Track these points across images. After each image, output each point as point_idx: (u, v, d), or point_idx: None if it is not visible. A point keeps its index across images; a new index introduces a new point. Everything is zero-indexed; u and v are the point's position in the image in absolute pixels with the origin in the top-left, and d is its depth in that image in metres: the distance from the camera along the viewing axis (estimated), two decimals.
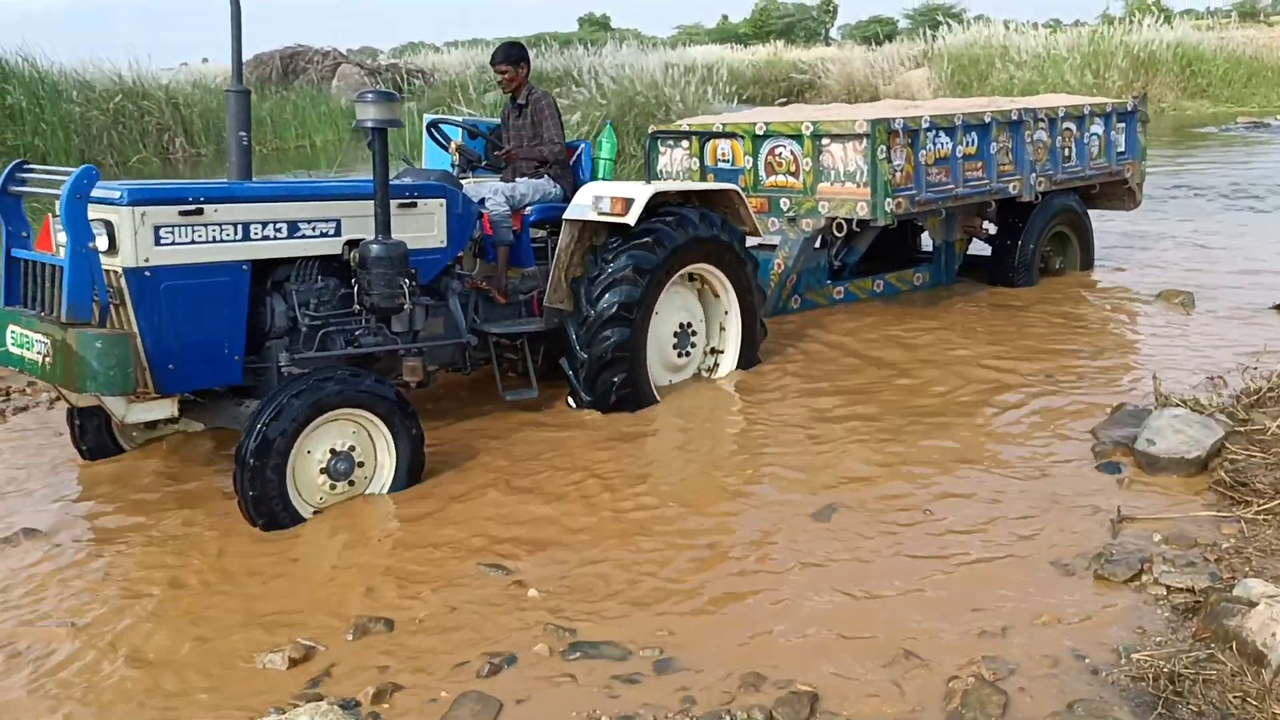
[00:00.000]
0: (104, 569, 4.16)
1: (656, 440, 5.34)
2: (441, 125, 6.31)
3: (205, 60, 39.37)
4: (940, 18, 33.55)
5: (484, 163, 6.18)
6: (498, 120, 6.57)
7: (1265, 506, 4.09)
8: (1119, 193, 8.98)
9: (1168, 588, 3.61)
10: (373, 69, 29.85)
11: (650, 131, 8.10)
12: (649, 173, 7.37)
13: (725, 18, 73.32)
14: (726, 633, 3.49)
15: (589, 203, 5.63)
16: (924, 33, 30.93)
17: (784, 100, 31.24)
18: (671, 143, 7.94)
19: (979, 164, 7.60)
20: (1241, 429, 4.71)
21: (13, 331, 4.46)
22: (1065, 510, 4.31)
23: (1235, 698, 2.94)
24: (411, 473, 4.71)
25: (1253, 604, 3.22)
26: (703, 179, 7.63)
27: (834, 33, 65.02)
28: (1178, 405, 4.91)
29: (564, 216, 5.70)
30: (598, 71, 20.46)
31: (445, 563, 4.06)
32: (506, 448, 5.23)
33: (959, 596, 3.65)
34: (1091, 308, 7.75)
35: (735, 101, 21.98)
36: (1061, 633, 3.39)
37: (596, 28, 61.51)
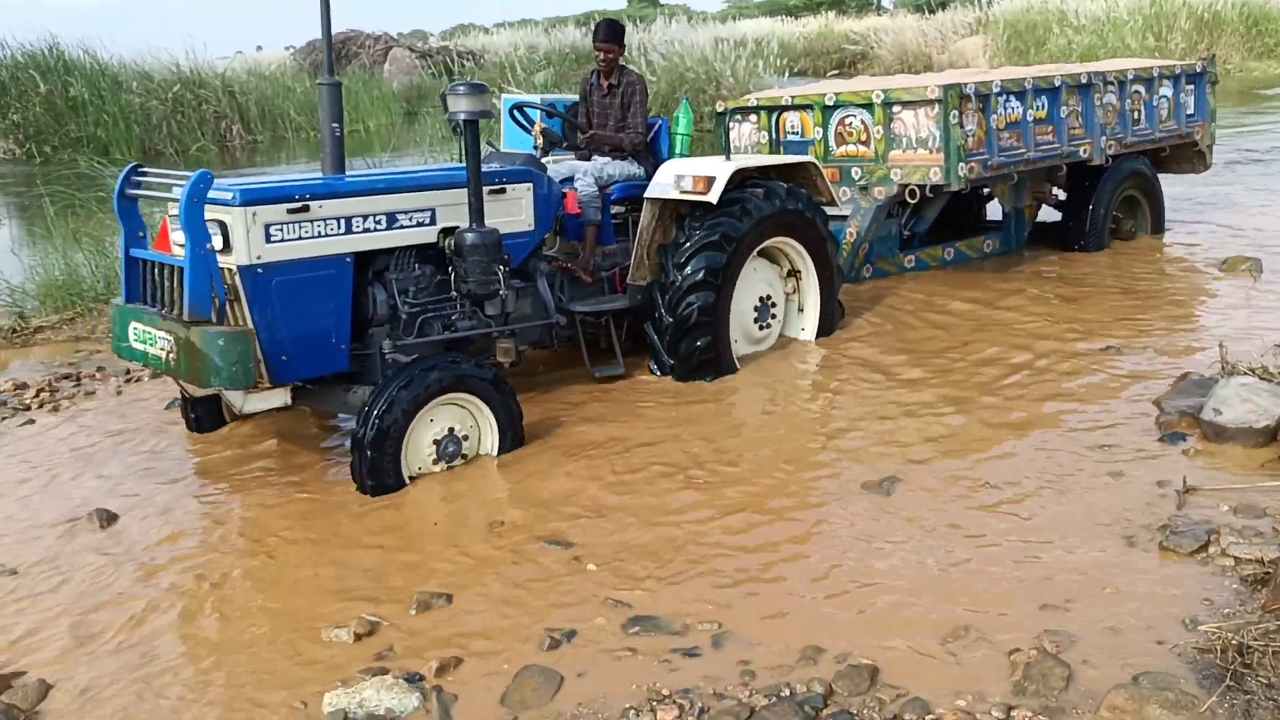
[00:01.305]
0: (185, 543, 4.27)
1: (729, 414, 5.35)
2: (523, 107, 6.38)
3: (259, 48, 39.87)
4: None
5: (564, 143, 6.27)
6: (569, 98, 6.64)
7: None
8: (1188, 155, 8.89)
9: (1236, 559, 3.54)
10: (423, 52, 30.00)
11: (719, 108, 8.17)
12: (724, 148, 7.38)
13: None
14: (785, 605, 3.49)
15: (671, 181, 5.72)
16: None
17: (836, 72, 30.85)
18: (740, 117, 8.00)
19: (1049, 128, 7.59)
20: None
21: (135, 329, 4.69)
22: (1129, 481, 4.24)
23: None
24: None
25: None
26: (772, 151, 7.69)
27: (886, 2, 63.99)
28: (1245, 374, 4.80)
29: (646, 195, 5.81)
30: (647, 49, 20.37)
31: (506, 538, 4.11)
32: (580, 422, 5.27)
33: (1021, 569, 3.61)
34: (1156, 275, 7.59)
35: (787, 75, 21.78)
36: (1126, 604, 3.34)
37: (646, 4, 61.10)
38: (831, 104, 7.43)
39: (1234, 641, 3.01)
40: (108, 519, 4.51)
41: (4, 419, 5.94)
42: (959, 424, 4.96)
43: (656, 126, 6.46)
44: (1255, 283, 7.15)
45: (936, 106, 6.91)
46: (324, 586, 3.84)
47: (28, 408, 6.12)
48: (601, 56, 6.28)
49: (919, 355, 6.02)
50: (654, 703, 3.01)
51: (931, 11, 34.36)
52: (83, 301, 7.99)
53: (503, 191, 5.24)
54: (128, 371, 6.56)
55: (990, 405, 5.18)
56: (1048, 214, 8.67)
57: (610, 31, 6.27)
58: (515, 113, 6.34)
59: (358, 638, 3.45)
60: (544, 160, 5.87)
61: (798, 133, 7.69)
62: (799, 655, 3.20)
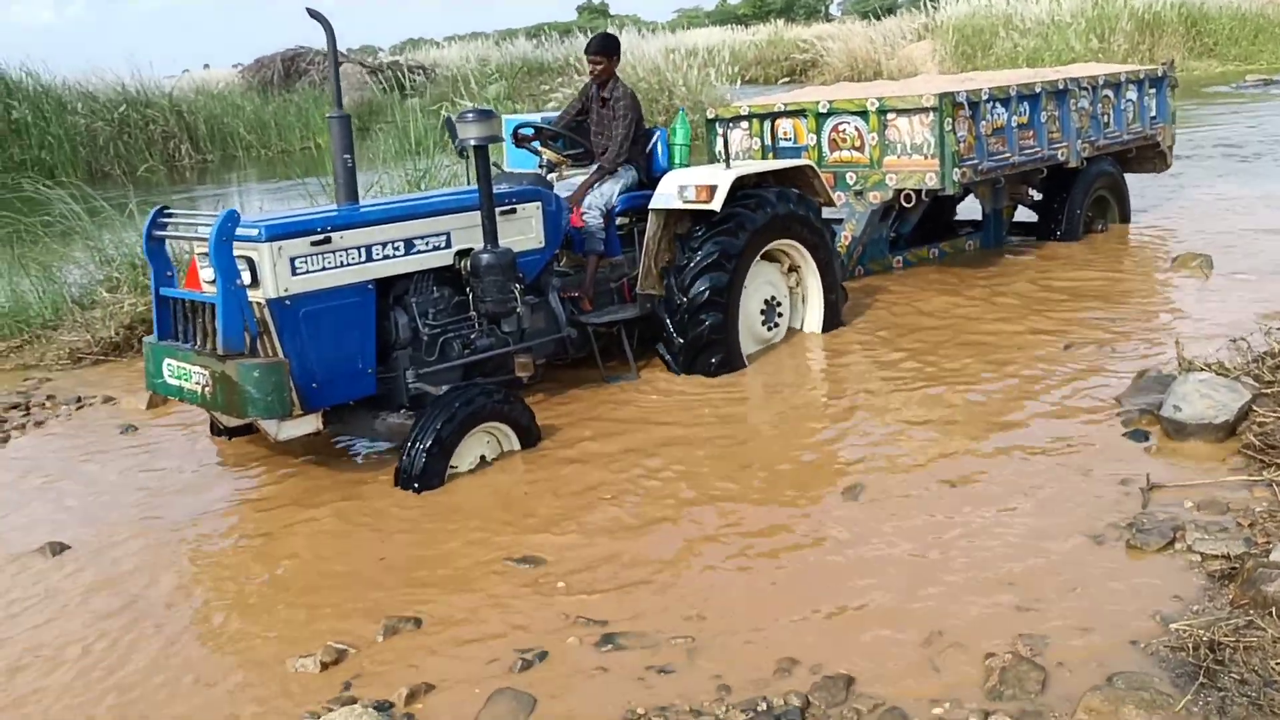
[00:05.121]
0: (137, 572, 4.15)
1: (727, 419, 5.34)
2: (525, 128, 6.40)
3: (206, 66, 39.38)
4: None
5: (567, 162, 6.36)
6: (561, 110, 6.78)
7: None
8: (1151, 156, 9.26)
9: (1202, 555, 3.57)
10: (374, 67, 29.75)
11: (710, 115, 8.29)
12: (723, 156, 7.44)
13: (724, 0, 72.93)
14: (758, 617, 3.46)
15: (674, 191, 5.88)
16: (925, 5, 30.65)
17: (787, 79, 31.05)
18: (732, 124, 8.13)
19: (1030, 133, 7.86)
20: (1268, 391, 4.65)
21: (169, 364, 4.79)
22: (1094, 480, 4.27)
23: (1278, 664, 2.90)
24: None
25: None
26: (764, 157, 7.86)
27: (834, 9, 64.55)
28: (1202, 369, 4.86)
29: (650, 206, 5.96)
30: None
31: (476, 558, 4.04)
32: (574, 433, 5.24)
33: (992, 573, 3.61)
34: (1110, 273, 7.69)
35: (738, 83, 21.85)
36: (1097, 604, 3.35)
37: (596, 15, 61.32)
38: (825, 111, 7.61)
39: (1205, 638, 3.03)
40: (59, 550, 4.39)
41: None
42: (924, 428, 4.98)
43: (655, 137, 6.50)
44: (1206, 279, 7.26)
45: (931, 114, 7.09)
46: (289, 614, 3.76)
47: None
48: (592, 68, 6.29)
49: (886, 360, 6.06)
50: None
51: (878, 18, 34.71)
52: (30, 329, 7.79)
53: (513, 212, 5.37)
54: (79, 399, 6.42)
55: (954, 408, 5.21)
56: (1023, 213, 8.96)
57: (602, 44, 6.30)
58: (518, 133, 6.40)
59: (324, 666, 3.37)
60: (550, 178, 5.96)
61: (790, 139, 7.88)
62: (774, 668, 3.17)
